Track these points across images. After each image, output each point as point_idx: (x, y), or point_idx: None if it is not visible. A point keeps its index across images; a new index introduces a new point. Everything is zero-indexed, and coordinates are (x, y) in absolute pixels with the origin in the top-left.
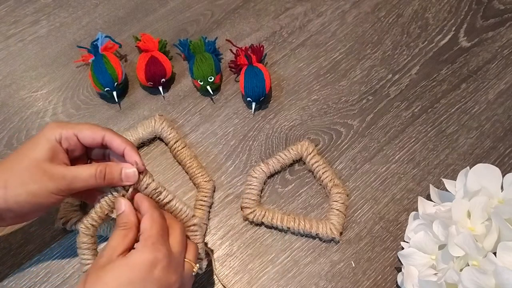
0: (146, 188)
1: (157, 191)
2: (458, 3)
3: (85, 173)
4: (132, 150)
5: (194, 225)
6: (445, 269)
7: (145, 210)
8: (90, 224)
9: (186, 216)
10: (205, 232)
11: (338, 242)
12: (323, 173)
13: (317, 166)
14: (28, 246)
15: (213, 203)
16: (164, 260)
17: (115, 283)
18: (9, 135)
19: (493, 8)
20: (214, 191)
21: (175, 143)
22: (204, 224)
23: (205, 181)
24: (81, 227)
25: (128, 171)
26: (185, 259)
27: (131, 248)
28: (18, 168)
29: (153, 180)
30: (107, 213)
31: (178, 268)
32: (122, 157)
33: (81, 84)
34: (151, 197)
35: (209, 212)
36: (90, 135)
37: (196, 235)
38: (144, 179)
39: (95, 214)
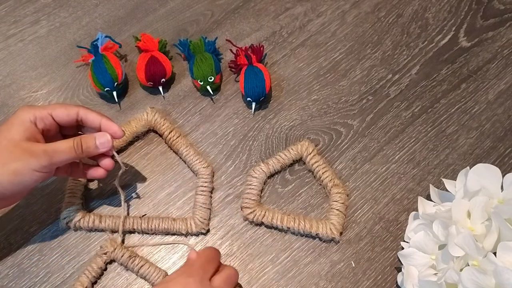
0: (121, 258)
1: (131, 258)
2: (458, 3)
3: (64, 146)
4: (108, 121)
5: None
6: (445, 269)
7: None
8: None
9: (159, 277)
10: (210, 216)
11: (338, 242)
12: (323, 173)
13: (317, 166)
14: (28, 246)
15: (213, 188)
16: (196, 284)
17: None
18: None
19: (493, 8)
20: (213, 176)
21: (169, 133)
22: (208, 209)
23: (203, 167)
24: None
25: (102, 139)
26: None
27: None
28: None
29: (127, 250)
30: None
31: None
32: (98, 132)
33: (81, 84)
34: (126, 265)
35: (211, 197)
36: (64, 111)
37: None
38: (121, 253)
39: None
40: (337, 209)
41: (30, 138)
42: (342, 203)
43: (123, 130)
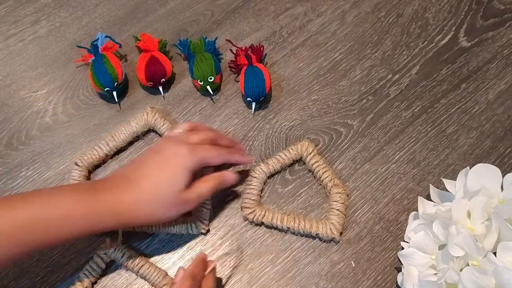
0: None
1: (130, 258)
2: (458, 3)
3: (207, 189)
4: (241, 151)
5: (166, 284)
6: (445, 269)
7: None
8: None
9: (159, 277)
10: (210, 214)
11: (338, 242)
12: (323, 173)
13: (317, 166)
14: None
15: None
16: None
17: None
18: (9, 135)
19: (493, 8)
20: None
21: None
22: (208, 209)
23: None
24: None
25: (235, 177)
26: None
27: None
28: (162, 201)
29: (127, 250)
30: None
31: None
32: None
33: (81, 84)
34: (126, 265)
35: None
36: (217, 156)
37: None
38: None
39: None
40: (337, 209)
41: (187, 184)
42: (342, 203)
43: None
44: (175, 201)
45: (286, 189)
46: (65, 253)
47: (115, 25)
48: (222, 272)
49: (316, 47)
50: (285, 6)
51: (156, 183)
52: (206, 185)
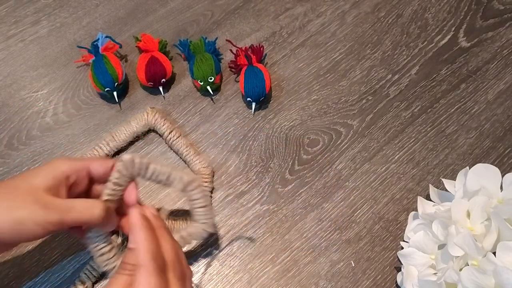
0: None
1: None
2: (458, 4)
3: (84, 206)
4: (133, 188)
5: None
6: (444, 269)
7: (137, 242)
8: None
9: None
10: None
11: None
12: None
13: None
14: (28, 246)
15: (213, 188)
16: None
17: None
18: (10, 135)
19: (493, 8)
20: (213, 176)
21: (169, 133)
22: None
23: (203, 167)
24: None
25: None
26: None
27: None
28: (11, 192)
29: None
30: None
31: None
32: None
33: (81, 84)
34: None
35: (211, 197)
36: (102, 165)
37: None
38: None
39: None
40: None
41: (52, 189)
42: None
43: (138, 200)
44: (27, 197)
45: (286, 189)
46: (66, 252)
47: (116, 25)
48: (222, 272)
49: (316, 47)
50: (285, 7)
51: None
52: (84, 201)
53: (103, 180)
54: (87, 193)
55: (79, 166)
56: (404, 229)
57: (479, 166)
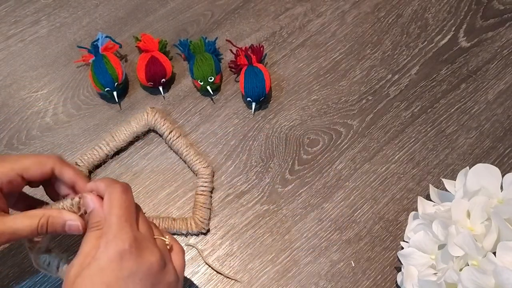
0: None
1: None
2: (458, 3)
3: (25, 225)
4: (84, 184)
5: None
6: (444, 269)
7: (102, 192)
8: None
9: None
10: (210, 216)
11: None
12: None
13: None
14: None
15: (213, 188)
16: (132, 248)
17: None
18: (10, 135)
19: (493, 8)
20: (213, 176)
21: (169, 133)
22: (208, 208)
23: (203, 167)
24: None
25: (72, 224)
26: (155, 237)
27: None
28: None
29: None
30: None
31: (152, 248)
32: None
33: (81, 84)
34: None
35: (211, 197)
36: (38, 169)
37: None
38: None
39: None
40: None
41: None
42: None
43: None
44: None
45: (286, 189)
46: (66, 252)
47: (116, 25)
48: (222, 272)
49: (316, 47)
50: (285, 7)
51: None
52: (25, 219)
53: (44, 179)
54: (47, 186)
55: (11, 176)
56: (404, 229)
57: (479, 166)
